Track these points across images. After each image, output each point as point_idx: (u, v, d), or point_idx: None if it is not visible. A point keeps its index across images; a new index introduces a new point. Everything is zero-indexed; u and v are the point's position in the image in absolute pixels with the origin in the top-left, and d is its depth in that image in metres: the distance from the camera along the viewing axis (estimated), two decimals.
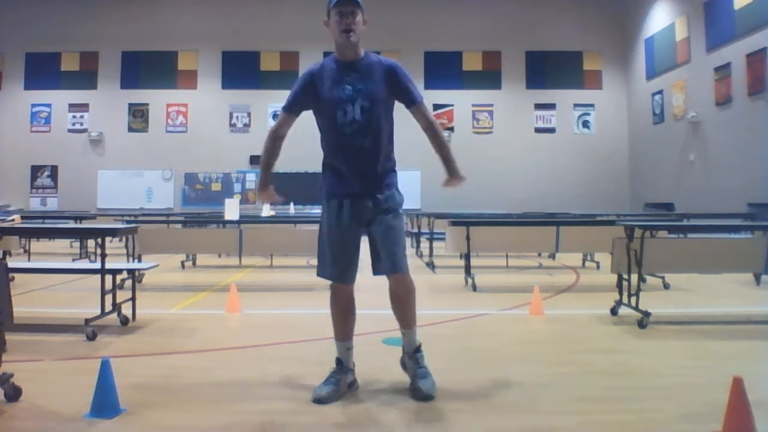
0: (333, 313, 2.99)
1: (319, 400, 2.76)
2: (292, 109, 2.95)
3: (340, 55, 2.88)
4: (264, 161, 3.01)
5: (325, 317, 4.68)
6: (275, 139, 3.00)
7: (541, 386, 3.03)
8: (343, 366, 2.93)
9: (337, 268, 2.86)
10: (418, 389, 2.80)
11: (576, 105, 17.22)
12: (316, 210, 14.36)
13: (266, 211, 8.80)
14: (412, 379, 2.88)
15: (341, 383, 2.88)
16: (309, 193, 16.13)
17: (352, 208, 2.83)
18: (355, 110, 2.77)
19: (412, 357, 2.92)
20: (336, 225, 2.84)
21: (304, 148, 14.38)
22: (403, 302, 2.91)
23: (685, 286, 6.52)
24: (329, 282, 2.96)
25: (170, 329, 4.45)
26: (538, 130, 17.21)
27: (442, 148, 2.95)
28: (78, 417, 2.55)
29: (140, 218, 9.07)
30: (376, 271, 2.87)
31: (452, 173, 2.95)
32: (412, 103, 2.89)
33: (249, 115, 17.12)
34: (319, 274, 2.94)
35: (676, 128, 14.22)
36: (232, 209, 7.51)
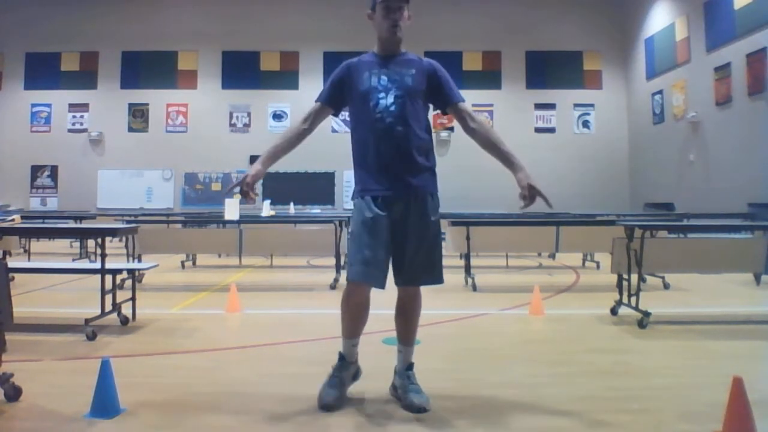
0: (344, 311, 2.79)
1: (326, 407, 2.66)
2: (328, 99, 2.82)
3: (381, 50, 2.81)
4: (274, 148, 2.80)
5: (325, 317, 4.70)
6: (300, 128, 2.83)
7: (541, 386, 3.03)
8: (345, 361, 2.83)
9: (365, 269, 2.62)
10: (412, 403, 2.66)
11: (576, 105, 17.21)
12: (316, 210, 14.38)
13: (266, 210, 8.80)
14: (405, 394, 2.72)
15: (345, 381, 2.81)
16: (309, 193, 16.20)
17: (384, 205, 2.66)
18: (388, 99, 2.69)
19: (404, 374, 2.80)
20: (365, 222, 2.65)
21: (304, 148, 14.40)
22: (409, 316, 2.81)
23: (685, 286, 6.52)
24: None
25: (170, 329, 4.45)
26: (538, 130, 17.20)
27: (499, 145, 2.77)
28: (78, 417, 2.55)
29: (140, 218, 9.06)
30: (397, 281, 2.74)
31: (517, 169, 2.73)
32: (452, 100, 2.79)
33: (249, 115, 17.11)
34: (348, 276, 2.74)
35: (676, 128, 14.22)
36: (232, 209, 7.50)
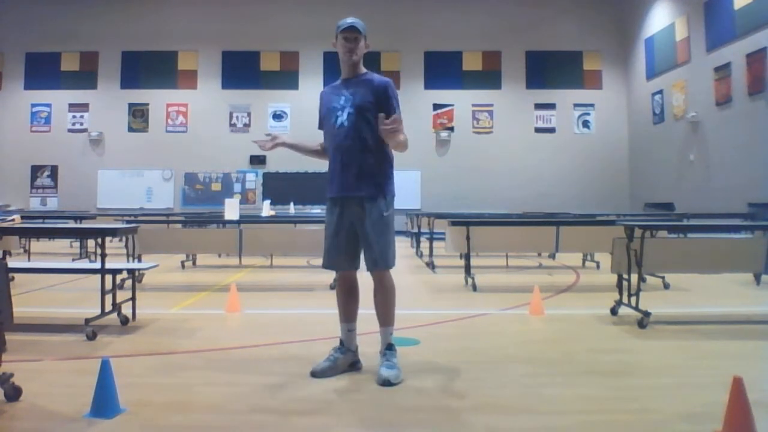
0: (337, 296, 3.32)
1: (313, 374, 3.11)
2: (322, 126, 3.38)
3: (343, 73, 3.29)
4: (302, 141, 3.52)
5: (325, 317, 4.69)
6: (319, 146, 3.47)
7: (541, 386, 3.03)
8: (343, 347, 3.24)
9: (331, 258, 3.26)
10: (380, 375, 3.04)
11: (576, 105, 17.22)
12: (316, 210, 14.38)
13: (266, 210, 8.80)
14: (378, 369, 3.10)
15: (339, 362, 3.19)
16: (309, 193, 16.19)
17: (343, 207, 3.20)
18: (343, 116, 3.17)
19: (383, 353, 3.17)
20: (330, 221, 3.26)
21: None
22: (379, 298, 3.21)
23: (685, 286, 6.52)
24: (333, 282, 3.07)
25: (170, 329, 4.45)
26: (538, 130, 17.21)
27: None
28: (78, 417, 2.55)
29: (140, 218, 9.06)
30: (367, 266, 3.21)
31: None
32: (389, 114, 3.17)
33: (249, 115, 17.12)
34: (322, 265, 3.35)
35: (676, 128, 14.22)
36: (232, 209, 7.50)
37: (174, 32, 17.02)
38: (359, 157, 3.15)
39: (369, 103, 3.16)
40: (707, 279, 6.86)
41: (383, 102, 3.19)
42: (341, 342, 3.26)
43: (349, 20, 3.18)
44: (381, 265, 3.17)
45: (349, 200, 3.18)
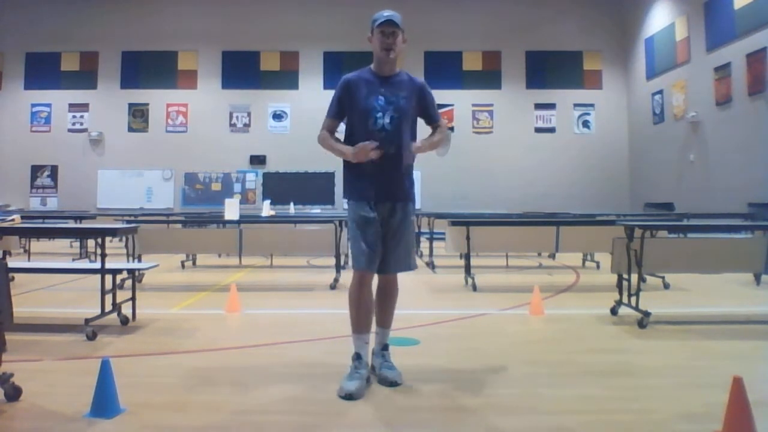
0: (355, 302, 3.08)
1: (350, 396, 2.81)
2: (337, 115, 3.19)
3: (377, 69, 3.16)
4: (332, 144, 3.17)
5: (325, 317, 4.70)
6: (331, 136, 3.21)
7: (541, 386, 3.03)
8: (362, 360, 3.04)
9: (368, 258, 3.04)
10: (386, 377, 3.01)
11: (576, 105, 17.20)
12: (316, 210, 14.38)
13: (266, 210, 8.79)
14: (380, 371, 3.07)
15: (364, 378, 2.98)
16: (309, 193, 16.20)
17: (376, 208, 3.07)
18: (385, 119, 3.06)
19: (380, 354, 3.15)
20: (364, 223, 3.05)
21: (304, 148, 14.39)
22: (388, 299, 3.18)
23: (685, 286, 6.52)
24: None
25: (170, 329, 4.45)
26: (538, 130, 17.20)
27: (434, 136, 3.28)
28: (78, 417, 2.55)
29: (140, 218, 9.06)
30: (380, 269, 3.12)
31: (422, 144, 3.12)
32: (433, 121, 3.28)
33: (249, 115, 17.10)
34: (354, 267, 3.10)
35: (676, 128, 14.22)
36: (232, 209, 7.50)
37: (174, 32, 17.01)
38: (396, 161, 3.07)
39: (412, 108, 3.14)
40: (707, 279, 6.86)
41: (429, 106, 3.23)
42: (358, 356, 3.04)
43: (386, 13, 3.05)
44: (405, 267, 3.16)
45: (387, 204, 3.10)
